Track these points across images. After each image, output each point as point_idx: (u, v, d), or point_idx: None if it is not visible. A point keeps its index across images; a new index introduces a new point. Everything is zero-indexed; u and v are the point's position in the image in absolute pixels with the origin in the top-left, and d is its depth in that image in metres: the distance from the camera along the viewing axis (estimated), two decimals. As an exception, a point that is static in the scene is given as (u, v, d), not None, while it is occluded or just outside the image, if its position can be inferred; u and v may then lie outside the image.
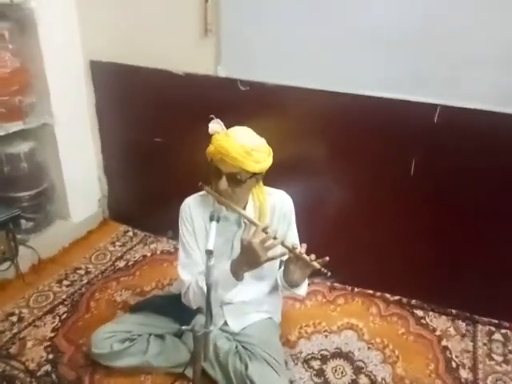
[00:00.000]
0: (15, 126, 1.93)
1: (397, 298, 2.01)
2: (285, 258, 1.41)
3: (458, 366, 1.68)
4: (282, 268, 1.47)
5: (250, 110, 1.86)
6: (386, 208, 1.88)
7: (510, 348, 1.77)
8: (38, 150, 2.13)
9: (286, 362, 1.64)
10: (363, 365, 1.67)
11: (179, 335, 1.61)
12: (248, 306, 1.61)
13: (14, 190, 2.09)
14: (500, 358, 1.73)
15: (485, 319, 1.88)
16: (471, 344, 1.78)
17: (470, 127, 1.60)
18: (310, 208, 1.91)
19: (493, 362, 1.71)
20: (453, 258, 1.86)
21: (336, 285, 2.09)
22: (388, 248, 1.93)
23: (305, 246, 1.40)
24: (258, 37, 1.80)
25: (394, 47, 1.62)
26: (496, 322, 1.87)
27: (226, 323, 1.61)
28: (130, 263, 2.23)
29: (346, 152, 1.85)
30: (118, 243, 2.40)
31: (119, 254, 2.30)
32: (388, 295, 2.02)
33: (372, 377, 1.62)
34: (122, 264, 2.22)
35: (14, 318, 1.81)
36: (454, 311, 1.93)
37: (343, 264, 2.00)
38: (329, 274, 1.32)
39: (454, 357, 1.72)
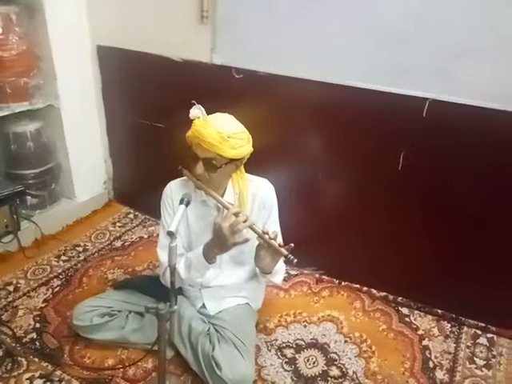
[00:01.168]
0: (21, 107, 2.03)
1: (383, 294, 1.98)
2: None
3: (435, 366, 1.65)
4: None
5: (244, 98, 1.88)
6: (374, 202, 1.86)
7: (494, 353, 1.72)
8: (44, 130, 2.23)
9: (259, 349, 1.67)
10: (337, 357, 1.67)
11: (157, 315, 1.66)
12: (226, 291, 1.64)
13: (20, 167, 2.19)
14: (482, 362, 1.68)
15: (471, 322, 1.83)
16: (453, 346, 1.74)
17: (459, 122, 1.55)
18: (297, 199, 1.93)
19: (473, 366, 1.66)
20: (441, 256, 1.81)
21: (324, 277, 2.09)
22: (376, 243, 1.91)
23: (277, 232, 1.42)
24: (253, 25, 1.81)
25: (385, 37, 1.58)
26: (483, 325, 1.81)
27: (204, 306, 1.65)
28: (126, 243, 2.31)
29: (334, 143, 1.84)
30: (118, 224, 2.49)
31: (118, 235, 2.38)
32: (374, 291, 2.00)
33: (344, 369, 1.62)
34: (118, 244, 2.30)
35: (11, 288, 1.92)
36: (440, 311, 1.88)
37: (331, 257, 2.03)
38: (295, 260, 1.33)
39: (432, 357, 1.69)
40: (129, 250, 2.25)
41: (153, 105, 2.26)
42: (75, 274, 2.04)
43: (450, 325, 1.84)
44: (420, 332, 1.80)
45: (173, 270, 1.27)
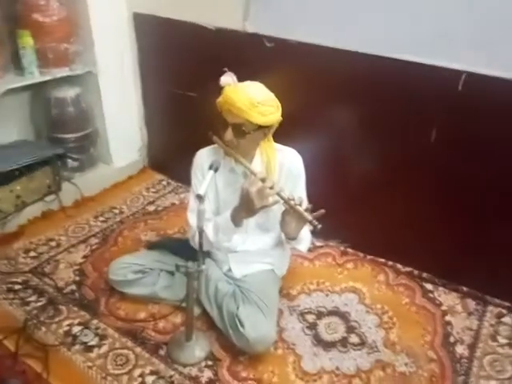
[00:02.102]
0: (62, 72, 2.11)
1: (408, 269, 1.98)
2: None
3: (456, 341, 1.65)
4: None
5: (275, 66, 1.89)
6: (403, 175, 1.83)
7: (518, 332, 1.71)
8: (83, 97, 2.31)
9: (282, 312, 1.73)
10: (357, 325, 1.71)
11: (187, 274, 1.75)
12: (252, 256, 1.69)
13: (60, 131, 2.30)
14: (504, 341, 1.66)
15: (497, 301, 1.81)
16: (476, 323, 1.73)
17: (496, 97, 1.49)
18: (325, 170, 1.93)
19: (495, 343, 1.65)
20: (470, 233, 1.78)
21: (349, 250, 2.11)
22: (403, 217, 1.90)
23: (303, 200, 1.44)
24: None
25: (423, 5, 1.53)
26: (509, 305, 1.79)
27: (230, 269, 1.71)
28: (159, 208, 2.40)
29: (364, 114, 1.82)
30: (152, 190, 2.58)
31: (151, 200, 2.48)
32: (399, 266, 2.00)
33: (363, 337, 1.65)
34: (152, 208, 2.40)
35: (53, 244, 2.07)
36: (465, 289, 1.87)
37: (357, 230, 2.03)
38: (319, 226, 1.35)
39: (454, 332, 1.69)
40: (161, 215, 2.35)
41: (186, 73, 2.29)
42: (111, 233, 2.16)
43: (474, 303, 1.83)
44: (443, 308, 1.80)
45: (201, 231, 1.34)
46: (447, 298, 1.85)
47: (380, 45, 1.66)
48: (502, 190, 1.65)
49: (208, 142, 1.57)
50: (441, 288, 1.90)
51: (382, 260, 2.04)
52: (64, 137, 2.31)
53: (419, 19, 1.56)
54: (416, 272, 1.97)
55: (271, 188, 1.37)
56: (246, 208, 1.42)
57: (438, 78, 1.59)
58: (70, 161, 2.37)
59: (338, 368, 1.53)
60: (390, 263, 2.02)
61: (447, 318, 1.76)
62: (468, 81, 1.53)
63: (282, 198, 1.41)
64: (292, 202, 1.40)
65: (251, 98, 1.35)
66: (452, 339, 1.67)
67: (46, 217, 2.22)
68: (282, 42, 1.86)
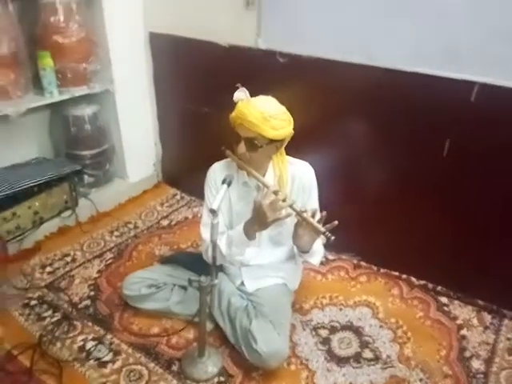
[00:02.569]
0: (80, 91, 2.18)
1: (422, 282, 1.97)
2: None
3: (471, 356, 1.63)
4: None
5: (287, 81, 1.91)
6: (416, 188, 1.83)
7: (536, 347, 1.67)
8: (100, 114, 2.38)
9: (294, 327, 1.73)
10: (371, 340, 1.69)
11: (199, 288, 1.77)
12: (264, 270, 1.70)
13: (78, 148, 2.37)
14: (522, 356, 1.64)
15: (514, 314, 1.79)
16: (493, 337, 1.71)
17: (510, 108, 1.49)
18: (337, 183, 1.94)
19: (512, 358, 1.63)
20: (485, 247, 1.77)
21: (362, 263, 2.10)
22: (417, 230, 1.89)
23: (318, 211, 1.45)
24: (297, 9, 1.82)
25: (434, 17, 1.55)
26: (526, 319, 1.76)
27: (243, 283, 1.72)
28: (172, 223, 2.43)
29: (376, 127, 1.83)
30: (166, 204, 2.62)
31: (165, 214, 2.52)
32: (413, 279, 1.99)
33: (377, 352, 1.64)
34: (165, 223, 2.44)
35: (69, 259, 2.11)
36: (481, 302, 1.85)
37: (370, 243, 2.03)
38: (332, 238, 1.35)
39: (470, 347, 1.67)
40: (175, 229, 2.38)
41: (200, 90, 2.34)
42: (126, 248, 2.20)
43: (490, 316, 1.80)
44: (458, 322, 1.78)
45: (214, 245, 1.36)
46: (462, 312, 1.83)
47: (391, 58, 1.68)
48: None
49: (221, 157, 1.59)
50: (456, 301, 1.88)
51: (396, 273, 2.03)
52: (81, 153, 2.37)
53: (430, 32, 1.58)
54: (430, 285, 1.95)
55: (284, 201, 1.39)
56: (258, 221, 1.44)
57: (451, 89, 1.59)
58: (86, 177, 2.43)
59: (351, 384, 1.52)
60: (404, 276, 2.01)
61: (463, 332, 1.74)
62: (481, 92, 1.53)
63: (294, 210, 1.42)
64: (305, 215, 1.41)
65: (263, 112, 1.38)
66: (468, 354, 1.64)
67: (62, 232, 2.27)
68: (294, 58, 1.90)
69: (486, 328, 1.75)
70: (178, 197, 2.70)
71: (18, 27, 1.94)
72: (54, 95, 2.08)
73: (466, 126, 1.63)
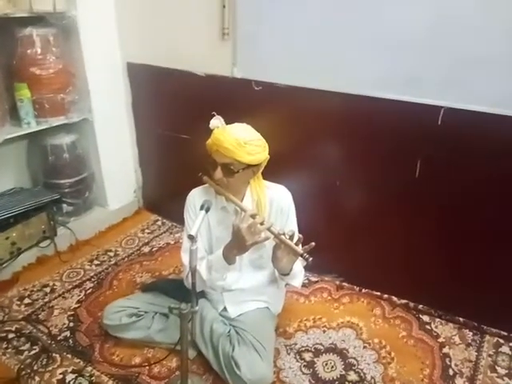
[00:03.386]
0: (58, 121, 2.18)
1: (404, 301, 1.99)
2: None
3: (455, 374, 1.64)
4: None
5: (263, 108, 1.96)
6: (392, 209, 1.88)
7: (516, 362, 1.69)
8: (79, 143, 2.38)
9: (278, 352, 1.71)
10: (355, 362, 1.69)
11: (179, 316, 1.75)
12: (246, 294, 1.70)
13: (57, 177, 2.35)
14: (504, 372, 1.65)
15: (494, 330, 1.81)
16: (475, 354, 1.73)
17: (474, 130, 1.56)
18: (316, 206, 1.97)
19: (494, 375, 1.64)
20: (462, 264, 1.81)
21: (344, 284, 2.11)
22: (395, 250, 1.92)
23: (296, 234, 1.46)
24: (271, 40, 1.89)
25: (397, 46, 1.63)
26: (505, 334, 1.79)
27: (225, 309, 1.71)
28: (154, 249, 2.42)
29: (350, 151, 1.88)
30: (147, 230, 2.61)
31: (146, 241, 2.50)
32: (395, 298, 2.00)
33: (362, 374, 1.64)
34: (147, 249, 2.42)
35: (48, 289, 2.06)
36: (461, 319, 1.87)
37: (351, 263, 2.05)
38: (310, 259, 1.36)
39: (453, 365, 1.68)
40: (156, 256, 2.36)
41: (178, 117, 2.37)
42: (106, 277, 2.16)
43: (471, 333, 1.82)
44: (441, 340, 1.79)
45: (194, 271, 1.35)
46: (444, 330, 1.85)
47: (360, 85, 1.75)
48: (488, 221, 1.69)
49: (200, 182, 1.61)
50: (437, 319, 1.90)
51: (378, 293, 2.05)
52: (60, 182, 2.35)
53: (395, 60, 1.65)
54: (412, 304, 1.97)
55: (261, 224, 1.41)
56: (237, 245, 1.45)
57: (418, 114, 1.66)
58: (65, 205, 2.40)
59: (337, 407, 1.51)
60: (386, 296, 2.03)
61: (445, 350, 1.75)
62: (446, 115, 1.60)
63: (272, 232, 1.43)
64: (282, 237, 1.43)
65: (238, 139, 1.41)
66: (451, 372, 1.65)
67: (40, 263, 2.22)
68: (269, 86, 1.95)
69: (468, 345, 1.77)
70: (160, 223, 2.69)
71: (-6, 59, 1.96)
72: (32, 125, 2.08)
73: (434, 148, 1.69)
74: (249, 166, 1.46)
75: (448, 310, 1.90)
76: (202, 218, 1.35)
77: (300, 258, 1.41)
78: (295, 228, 1.64)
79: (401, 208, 1.86)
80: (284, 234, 1.43)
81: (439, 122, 1.62)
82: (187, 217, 1.66)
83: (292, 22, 1.81)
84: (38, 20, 1.98)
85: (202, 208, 1.38)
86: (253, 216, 1.41)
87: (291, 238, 1.43)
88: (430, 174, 1.73)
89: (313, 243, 1.39)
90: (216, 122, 1.51)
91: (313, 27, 1.78)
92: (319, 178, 1.98)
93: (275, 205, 1.60)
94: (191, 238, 1.29)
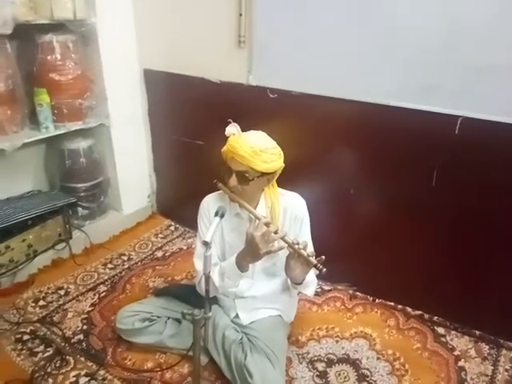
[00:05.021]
0: (76, 126, 2.21)
1: (418, 312, 1.95)
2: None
3: (471, 388, 1.61)
4: None
5: (278, 116, 1.97)
6: (408, 219, 1.86)
7: (535, 377, 1.65)
8: (95, 147, 2.41)
9: (291, 360, 1.70)
10: (368, 373, 1.67)
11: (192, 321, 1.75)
12: (259, 302, 1.69)
13: (73, 181, 2.38)
14: (521, 387, 1.62)
15: (510, 344, 1.77)
16: (491, 368, 1.69)
17: (492, 139, 1.54)
18: (330, 214, 1.96)
19: (512, 390, 1.61)
20: (480, 276, 1.77)
21: (357, 293, 2.09)
22: (410, 260, 1.90)
23: (307, 243, 1.45)
24: (287, 48, 1.90)
25: (415, 55, 1.63)
26: (523, 348, 1.75)
27: (237, 316, 1.71)
28: (167, 254, 2.43)
29: (366, 160, 1.87)
30: (160, 235, 2.62)
31: (159, 245, 2.51)
32: (409, 309, 1.97)
33: (375, 386, 1.62)
34: (160, 254, 2.43)
35: (62, 292, 2.08)
36: (478, 333, 1.83)
37: (365, 273, 2.03)
38: (324, 270, 1.36)
39: (468, 378, 1.64)
40: (169, 260, 2.37)
41: (194, 123, 2.39)
42: (120, 281, 2.18)
43: (488, 347, 1.79)
44: (456, 353, 1.76)
45: (207, 277, 1.35)
46: (460, 342, 1.82)
47: (376, 93, 1.74)
48: (507, 232, 1.66)
49: (214, 189, 1.61)
50: (453, 332, 1.87)
51: (392, 303, 2.02)
52: (76, 186, 2.38)
53: (411, 70, 1.65)
54: (427, 315, 1.94)
55: (275, 233, 1.40)
56: (251, 253, 1.45)
57: (436, 122, 1.64)
58: (80, 209, 2.43)
59: (349, 419, 1.49)
60: (400, 307, 2.00)
61: (461, 363, 1.72)
62: (464, 125, 1.58)
63: (286, 242, 1.43)
64: (296, 247, 1.42)
65: (253, 147, 1.41)
66: (467, 386, 1.62)
67: (55, 265, 2.25)
68: (284, 93, 1.96)
69: (484, 359, 1.73)
70: (173, 228, 2.70)
71: (15, 65, 1.99)
72: (50, 130, 2.12)
73: (451, 157, 1.67)
74: (264, 173, 1.46)
75: (464, 323, 1.87)
76: (217, 224, 1.35)
77: (313, 268, 1.41)
78: (309, 236, 1.63)
79: (416, 217, 1.84)
80: (298, 244, 1.42)
81: (456, 132, 1.60)
82: (201, 223, 1.66)
83: (307, 30, 1.82)
84: (58, 27, 2.02)
85: (216, 214, 1.38)
86: (267, 224, 1.41)
87: (305, 248, 1.42)
88: (447, 182, 1.71)
89: (323, 257, 1.39)
90: (232, 129, 1.51)
91: (328, 35, 1.79)
92: (333, 186, 1.98)
93: (289, 212, 1.60)
94: (206, 244, 1.29)
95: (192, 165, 2.50)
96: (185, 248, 2.48)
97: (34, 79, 2.07)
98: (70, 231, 2.30)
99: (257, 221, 1.45)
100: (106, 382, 1.60)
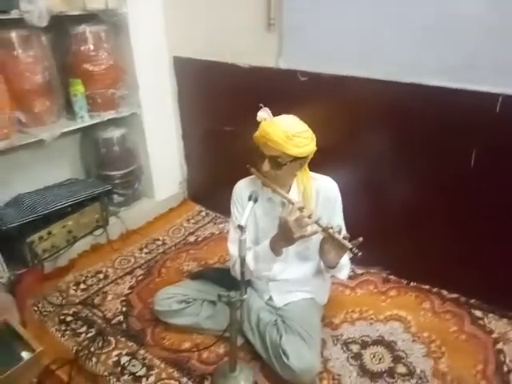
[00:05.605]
0: (109, 115, 2.27)
1: (455, 295, 1.93)
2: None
3: (509, 370, 1.58)
4: None
5: (309, 99, 1.95)
6: (444, 200, 1.82)
7: None
8: (128, 136, 2.47)
9: (325, 342, 1.72)
10: (404, 355, 1.66)
11: (229, 303, 1.78)
12: (291, 285, 1.71)
13: (108, 169, 2.45)
14: (563, 370, 1.58)
15: (552, 327, 1.72)
16: (531, 351, 1.66)
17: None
18: (362, 197, 1.94)
19: (553, 373, 1.57)
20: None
21: (391, 277, 2.08)
22: (446, 243, 1.87)
23: (340, 227, 1.45)
24: (317, 30, 1.87)
25: (454, 31, 1.57)
26: None
27: (271, 298, 1.73)
28: (199, 239, 2.48)
29: (401, 141, 1.83)
30: (192, 221, 2.67)
31: (192, 230, 2.56)
32: (445, 292, 1.95)
33: (411, 368, 1.61)
34: (192, 239, 2.48)
35: (101, 276, 2.17)
36: (516, 315, 1.80)
37: (398, 256, 2.01)
38: (359, 253, 1.35)
39: (507, 361, 1.62)
40: (201, 245, 2.42)
41: (223, 110, 2.40)
42: (155, 265, 2.25)
43: (527, 329, 1.75)
44: (494, 335, 1.73)
45: (243, 261, 1.38)
46: (498, 325, 1.78)
47: (411, 72, 1.70)
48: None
49: (243, 174, 1.63)
50: (490, 315, 1.83)
51: (426, 287, 2.00)
52: (111, 174, 2.46)
53: (451, 46, 1.59)
54: (463, 299, 1.91)
55: (309, 217, 1.40)
56: (284, 237, 1.46)
57: (475, 102, 1.59)
58: (116, 196, 2.50)
59: (385, 400, 1.50)
60: (435, 290, 1.98)
61: (499, 346, 1.69)
62: (505, 103, 1.53)
63: (320, 226, 1.43)
64: (331, 231, 1.42)
65: (286, 132, 1.41)
66: (506, 368, 1.59)
67: (94, 250, 2.34)
68: (315, 76, 1.93)
69: (524, 342, 1.70)
70: (204, 213, 2.75)
71: (50, 57, 2.05)
72: (85, 119, 2.18)
73: (491, 137, 1.62)
74: (296, 158, 1.46)
75: (502, 306, 1.83)
76: (251, 208, 1.37)
77: (348, 251, 1.40)
78: (341, 219, 1.63)
79: (453, 198, 1.80)
80: (332, 228, 1.42)
81: (497, 110, 1.54)
82: (234, 208, 1.68)
83: (338, 10, 1.79)
84: (90, 17, 2.06)
85: (250, 199, 1.39)
86: (300, 209, 1.41)
87: (339, 232, 1.42)
88: (486, 164, 1.66)
89: (360, 238, 1.37)
90: (263, 114, 1.51)
91: (360, 14, 1.75)
92: (366, 169, 1.95)
93: (322, 195, 1.59)
94: (240, 228, 1.31)
95: (222, 151, 2.51)
96: (216, 233, 2.53)
97: (68, 70, 2.13)
98: (107, 217, 2.38)
99: (290, 205, 1.46)
100: (146, 361, 1.66)
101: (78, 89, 2.09)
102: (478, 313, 1.85)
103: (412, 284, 2.03)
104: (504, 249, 1.75)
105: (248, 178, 1.67)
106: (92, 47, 2.11)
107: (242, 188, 1.66)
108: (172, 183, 2.82)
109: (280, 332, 1.58)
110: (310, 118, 1.49)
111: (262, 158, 1.47)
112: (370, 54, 1.78)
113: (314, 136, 1.49)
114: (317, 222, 1.42)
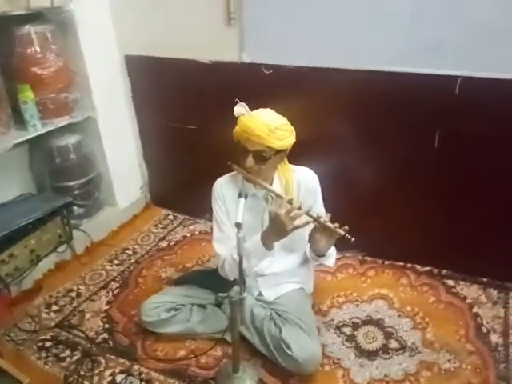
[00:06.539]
0: (63, 121, 2.10)
1: (427, 268, 2.06)
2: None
3: (488, 331, 1.72)
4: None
5: (275, 92, 1.92)
6: (411, 179, 1.92)
7: (543, 314, 1.79)
8: (84, 142, 2.31)
9: (319, 329, 1.75)
10: (394, 331, 1.75)
11: (219, 305, 1.76)
12: (280, 277, 1.72)
13: (65, 179, 2.28)
14: (532, 323, 1.75)
15: (517, 286, 1.90)
16: (503, 310, 1.81)
17: (491, 97, 1.61)
18: (336, 184, 1.96)
19: (525, 327, 1.73)
20: (482, 226, 1.88)
21: (367, 258, 2.17)
22: (416, 220, 1.97)
23: (329, 215, 1.48)
24: (279, 21, 1.87)
25: (412, 17, 1.64)
26: (529, 288, 1.88)
27: (260, 293, 1.73)
28: (171, 243, 2.40)
29: (368, 128, 1.90)
30: (160, 226, 2.58)
31: (162, 236, 2.48)
32: (418, 266, 2.07)
33: (402, 341, 1.70)
34: (164, 244, 2.40)
35: (73, 294, 2.02)
36: (485, 280, 1.96)
37: (372, 237, 2.07)
38: (352, 239, 1.39)
39: (484, 323, 1.76)
40: (175, 249, 2.34)
41: (184, 108, 2.33)
42: (130, 275, 2.14)
43: (496, 291, 1.91)
44: (468, 301, 1.87)
45: (241, 259, 1.36)
46: (470, 291, 1.93)
47: (373, 59, 1.76)
48: (507, 184, 1.75)
49: (212, 171, 1.61)
50: (462, 282, 1.98)
51: (401, 263, 2.11)
52: (69, 184, 2.29)
53: (411, 32, 1.67)
54: (435, 270, 2.05)
55: (299, 208, 1.42)
56: (277, 231, 1.45)
57: (436, 84, 1.69)
58: (76, 208, 2.34)
59: (386, 375, 1.56)
60: (409, 265, 2.09)
61: (474, 309, 1.83)
62: (464, 84, 1.64)
63: (311, 216, 1.44)
64: (322, 220, 1.44)
65: (268, 125, 1.41)
66: (484, 329, 1.73)
67: (60, 268, 2.18)
68: (280, 68, 1.94)
69: (495, 303, 1.85)
70: (171, 217, 2.66)
71: (-7, 62, 1.87)
72: (38, 128, 2.01)
73: (452, 118, 1.73)
74: (278, 151, 1.46)
75: (471, 273, 1.98)
76: (243, 205, 1.35)
77: (342, 238, 1.44)
78: (322, 208, 1.66)
79: (420, 178, 1.91)
80: (322, 217, 1.44)
81: (456, 92, 1.65)
82: (216, 206, 1.65)
83: (298, 2, 1.80)
84: (34, 17, 1.90)
85: (240, 196, 1.37)
86: (289, 201, 1.41)
87: (330, 220, 1.44)
88: (449, 143, 1.77)
89: (346, 227, 1.41)
90: (240, 109, 1.49)
91: (321, 3, 1.77)
92: (337, 155, 1.99)
93: (303, 187, 1.62)
94: (238, 225, 1.30)
95: (185, 151, 2.44)
96: (188, 235, 2.46)
97: (14, 75, 1.94)
98: (70, 232, 2.22)
99: (278, 199, 1.45)
100: (143, 375, 1.59)
101: (28, 95, 1.92)
102: (451, 282, 1.99)
103: (387, 262, 2.13)
104: (465, 220, 1.89)
105: (227, 174, 1.65)
106: (39, 49, 1.94)
107: (223, 184, 1.64)
108: (133, 188, 2.69)
109: (278, 325, 1.58)
110: (279, 110, 1.50)
111: (245, 154, 1.46)
112: (331, 43, 1.82)
113: (293, 128, 1.50)
114: (308, 213, 1.44)
